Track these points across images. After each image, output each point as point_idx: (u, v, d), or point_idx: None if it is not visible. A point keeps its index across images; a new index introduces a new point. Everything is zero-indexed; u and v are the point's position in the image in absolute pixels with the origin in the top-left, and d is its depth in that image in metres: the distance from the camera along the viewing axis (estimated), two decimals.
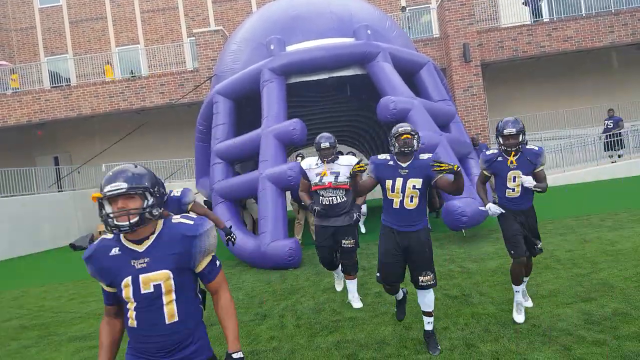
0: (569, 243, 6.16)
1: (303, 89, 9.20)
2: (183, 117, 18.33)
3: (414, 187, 3.26)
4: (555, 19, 16.74)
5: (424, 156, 3.34)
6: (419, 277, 3.33)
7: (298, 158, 9.64)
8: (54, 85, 17.81)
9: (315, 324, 4.21)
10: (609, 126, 14.25)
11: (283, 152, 7.58)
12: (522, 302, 3.72)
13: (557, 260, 5.38)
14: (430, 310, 3.42)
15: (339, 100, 10.75)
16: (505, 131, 3.64)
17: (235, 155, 8.28)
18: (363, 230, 9.31)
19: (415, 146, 3.30)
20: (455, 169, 2.96)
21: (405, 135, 3.27)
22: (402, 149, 3.27)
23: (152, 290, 1.79)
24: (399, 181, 3.28)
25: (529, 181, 3.62)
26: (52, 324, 5.37)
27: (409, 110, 7.48)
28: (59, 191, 15.43)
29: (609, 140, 14.11)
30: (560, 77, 17.93)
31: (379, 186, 3.43)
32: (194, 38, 16.45)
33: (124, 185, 1.76)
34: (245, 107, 9.08)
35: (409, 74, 8.68)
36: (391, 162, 3.35)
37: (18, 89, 17.13)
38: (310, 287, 5.56)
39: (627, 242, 5.78)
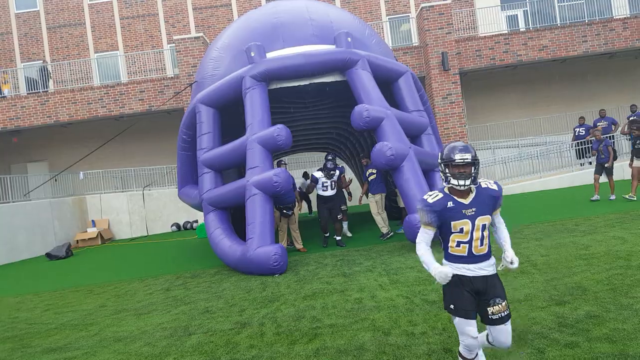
0: (545, 248, 6.29)
1: (284, 95, 9.24)
2: (163, 124, 18.18)
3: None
4: (531, 28, 17.16)
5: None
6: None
7: (282, 165, 9.63)
8: (30, 91, 17.51)
9: (295, 332, 4.21)
10: (580, 134, 14.61)
11: (269, 158, 7.63)
12: None
13: (533, 264, 5.49)
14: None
15: (321, 106, 10.81)
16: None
17: (222, 163, 8.31)
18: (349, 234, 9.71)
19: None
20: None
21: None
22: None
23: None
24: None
25: None
26: (27, 335, 5.24)
27: (382, 120, 7.64)
28: (30, 199, 15.08)
29: (580, 147, 14.47)
30: (537, 85, 18.36)
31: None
32: (174, 45, 16.36)
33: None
34: (228, 113, 9.06)
35: (387, 82, 8.79)
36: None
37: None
38: (291, 294, 5.55)
39: (600, 246, 5.92)
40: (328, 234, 8.89)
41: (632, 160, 9.60)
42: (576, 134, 14.74)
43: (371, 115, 7.54)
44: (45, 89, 17.33)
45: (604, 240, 6.23)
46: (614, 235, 6.44)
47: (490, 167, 15.16)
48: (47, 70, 17.66)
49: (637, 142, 9.47)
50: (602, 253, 5.58)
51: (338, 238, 8.67)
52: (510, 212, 10.07)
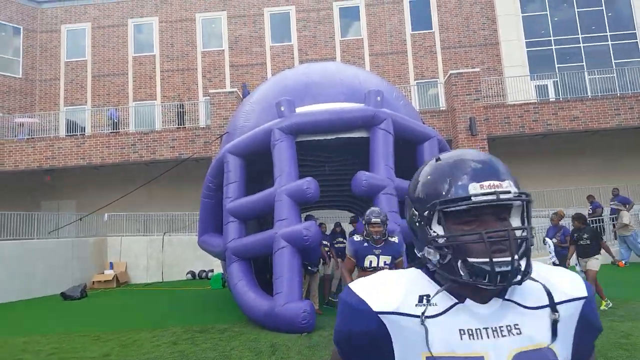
0: None
1: (310, 149, 9.27)
2: (189, 172, 18.47)
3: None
4: (560, 99, 17.13)
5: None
6: None
7: (311, 219, 9.47)
8: (69, 134, 18.24)
9: None
10: (589, 212, 13.63)
11: (297, 211, 7.58)
12: None
13: None
14: None
15: (346, 162, 10.81)
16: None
17: (248, 213, 8.31)
18: None
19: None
20: None
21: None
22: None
23: None
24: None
25: None
26: None
27: (381, 189, 7.58)
28: (55, 237, 15.28)
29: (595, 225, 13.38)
30: (567, 156, 18.04)
31: None
32: (209, 97, 16.97)
33: None
34: (255, 164, 9.13)
35: (413, 144, 8.75)
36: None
37: None
38: None
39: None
40: None
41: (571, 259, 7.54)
42: (588, 212, 13.93)
43: (369, 183, 7.51)
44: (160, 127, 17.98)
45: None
46: None
47: None
48: (183, 107, 18.76)
49: (583, 235, 7.36)
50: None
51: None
52: None
